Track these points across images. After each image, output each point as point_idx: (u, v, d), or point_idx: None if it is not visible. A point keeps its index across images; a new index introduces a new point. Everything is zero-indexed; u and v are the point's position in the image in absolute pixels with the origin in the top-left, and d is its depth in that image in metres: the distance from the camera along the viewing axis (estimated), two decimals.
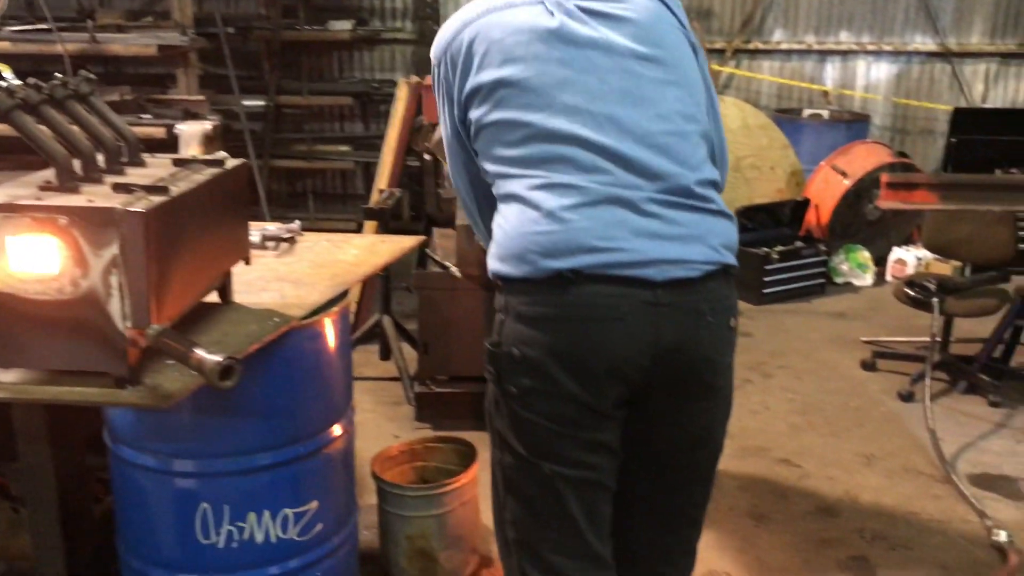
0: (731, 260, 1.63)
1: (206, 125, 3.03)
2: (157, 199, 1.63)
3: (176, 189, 1.70)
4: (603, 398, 1.58)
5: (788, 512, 3.14)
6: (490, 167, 1.68)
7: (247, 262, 2.06)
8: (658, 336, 1.55)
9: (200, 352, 1.55)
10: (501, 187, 1.66)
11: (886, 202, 3.84)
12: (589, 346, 1.54)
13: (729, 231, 1.65)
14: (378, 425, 3.68)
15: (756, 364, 4.46)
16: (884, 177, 3.85)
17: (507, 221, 1.62)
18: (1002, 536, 2.92)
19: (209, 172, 1.88)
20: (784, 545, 2.96)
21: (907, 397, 4.03)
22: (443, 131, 1.81)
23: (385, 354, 4.14)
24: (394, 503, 2.60)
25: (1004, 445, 3.66)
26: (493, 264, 1.64)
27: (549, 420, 1.60)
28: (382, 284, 4.02)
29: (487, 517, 2.77)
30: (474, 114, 1.67)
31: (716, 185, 1.67)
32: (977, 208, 3.84)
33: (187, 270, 1.75)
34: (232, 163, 1.97)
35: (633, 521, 1.77)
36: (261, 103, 6.39)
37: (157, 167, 1.89)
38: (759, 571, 2.81)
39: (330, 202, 6.84)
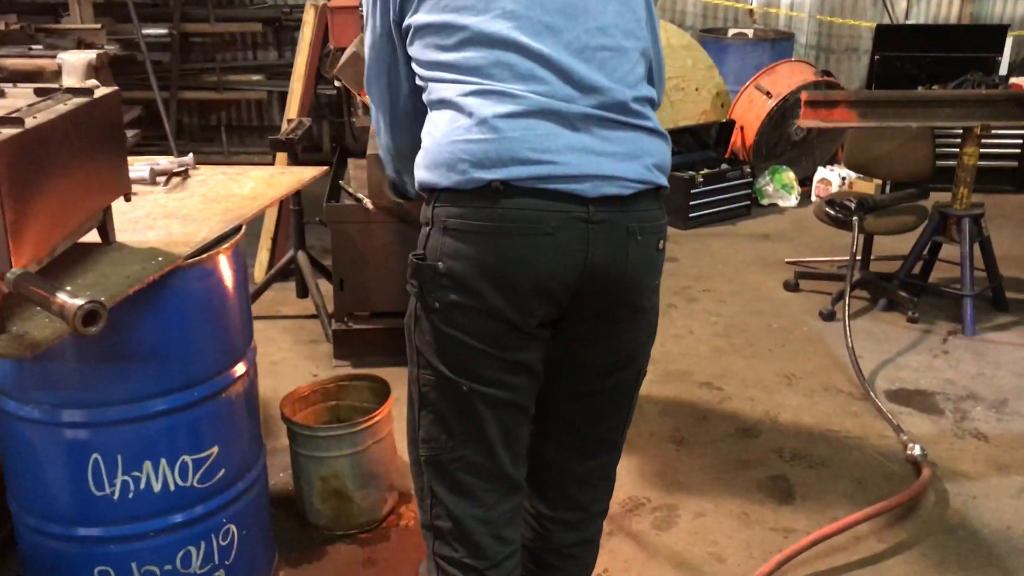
0: (663, 181, 1.60)
1: (91, 54, 2.81)
2: (8, 131, 1.49)
3: (33, 121, 1.56)
4: (528, 316, 1.55)
5: (709, 435, 3.15)
6: (423, 72, 1.60)
7: (127, 198, 1.93)
8: (587, 253, 1.52)
9: (62, 296, 1.44)
10: (433, 93, 1.58)
11: (806, 120, 3.81)
12: (517, 261, 1.50)
13: (663, 151, 1.61)
14: (296, 365, 3.58)
15: (681, 288, 4.45)
16: (804, 95, 3.82)
17: (437, 128, 1.55)
18: (916, 450, 2.96)
19: (74, 102, 1.73)
20: (705, 467, 2.97)
21: (828, 316, 4.06)
22: (368, 35, 1.72)
23: (302, 291, 4.02)
24: (305, 444, 2.52)
25: (921, 360, 3.72)
26: (420, 173, 1.57)
27: (471, 337, 1.55)
28: (295, 219, 3.87)
29: (404, 454, 2.73)
30: (410, 17, 1.59)
31: (653, 103, 1.62)
32: (895, 124, 3.83)
33: (52, 208, 1.62)
34: (102, 92, 1.82)
35: (552, 445, 1.76)
36: (164, 31, 6.08)
37: (16, 98, 1.74)
38: (680, 494, 2.82)
39: (246, 135, 6.60)
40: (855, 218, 3.94)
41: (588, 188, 1.49)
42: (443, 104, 1.55)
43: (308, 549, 2.54)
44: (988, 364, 3.68)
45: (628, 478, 2.90)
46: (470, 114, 1.50)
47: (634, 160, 1.54)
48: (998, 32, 6.30)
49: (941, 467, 2.96)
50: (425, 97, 1.61)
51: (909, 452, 2.97)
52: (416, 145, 1.62)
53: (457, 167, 1.50)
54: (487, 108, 1.49)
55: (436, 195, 1.55)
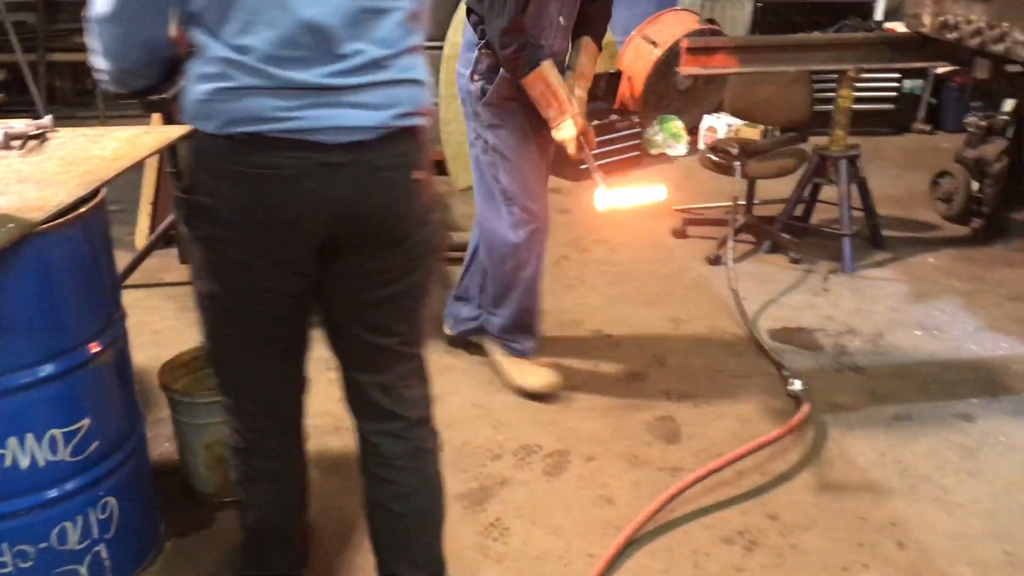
0: (415, 122, 1.69)
1: None
2: None
3: None
4: (286, 250, 1.69)
5: (600, 381, 3.20)
6: (183, 23, 1.64)
7: None
8: (332, 194, 1.65)
9: None
10: (192, 38, 1.63)
11: (687, 68, 3.85)
12: (269, 204, 1.62)
13: (414, 96, 1.69)
14: (180, 332, 3.48)
15: (573, 240, 4.49)
16: (684, 43, 3.85)
17: (193, 78, 1.62)
18: (797, 385, 3.07)
19: None
20: (596, 413, 3.02)
21: (714, 260, 4.16)
22: None
23: (184, 257, 3.90)
24: (186, 412, 2.46)
25: (803, 299, 3.84)
26: (185, 112, 1.65)
27: (235, 267, 1.70)
28: (172, 182, 3.74)
29: None
30: None
31: (412, 52, 1.68)
32: (772, 69, 3.91)
33: None
34: None
35: (348, 360, 1.90)
36: None
37: None
38: (571, 440, 2.86)
39: (124, 97, 6.31)
40: (737, 163, 4.02)
41: (328, 137, 1.61)
42: (197, 55, 1.61)
43: (197, 517, 2.49)
44: (865, 300, 3.83)
45: (520, 427, 2.92)
46: (218, 71, 1.58)
47: (381, 110, 1.64)
48: None
49: (821, 400, 3.07)
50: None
51: (790, 388, 3.08)
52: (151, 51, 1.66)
53: (210, 117, 1.60)
54: (233, 67, 1.57)
55: (198, 134, 1.64)
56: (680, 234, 4.48)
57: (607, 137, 5.39)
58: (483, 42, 2.67)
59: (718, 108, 6.00)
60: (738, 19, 6.77)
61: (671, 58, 5.62)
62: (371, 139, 1.64)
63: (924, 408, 3.05)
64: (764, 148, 4.21)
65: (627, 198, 2.89)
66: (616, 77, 5.70)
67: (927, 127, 6.41)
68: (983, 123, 4.49)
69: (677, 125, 5.80)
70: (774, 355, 3.32)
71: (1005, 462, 2.76)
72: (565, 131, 2.74)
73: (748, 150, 4.10)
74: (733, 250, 3.93)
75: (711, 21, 6.05)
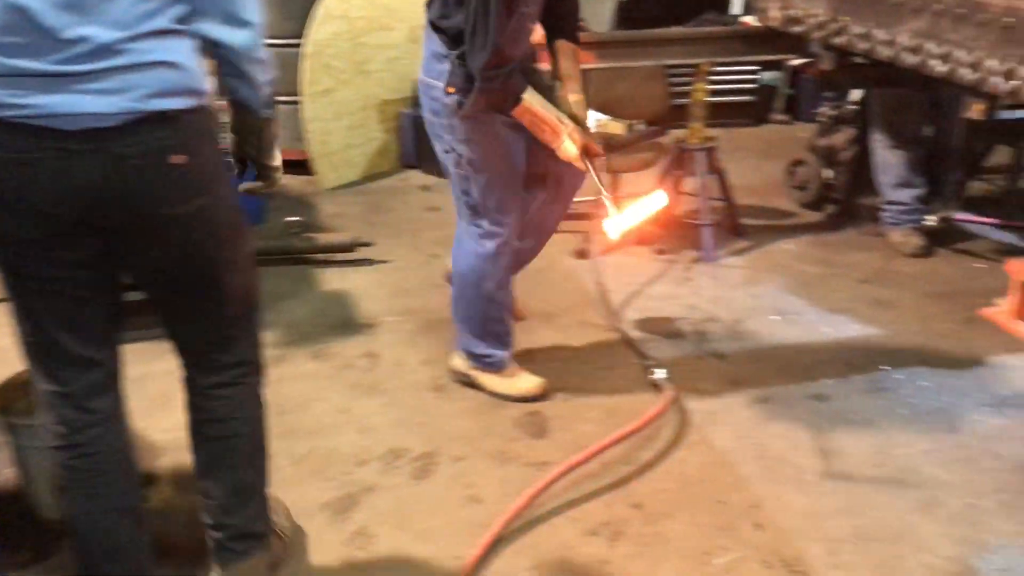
0: (164, 106, 1.68)
1: None
2: None
3: None
4: (36, 232, 1.72)
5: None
6: None
7: None
8: (72, 180, 1.67)
9: None
10: None
11: (545, 64, 3.86)
12: (11, 187, 1.67)
13: (162, 79, 1.67)
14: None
15: (444, 238, 4.43)
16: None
17: None
18: (659, 374, 3.13)
19: None
20: (465, 412, 3.01)
21: (582, 254, 4.20)
22: None
23: None
24: (26, 436, 2.32)
25: (667, 290, 3.92)
26: None
27: (4, 243, 1.75)
28: None
29: (148, 428, 2.58)
30: None
31: (159, 35, 1.66)
32: (629, 64, 3.97)
33: None
34: None
35: (171, 331, 2.01)
36: None
37: None
38: (439, 441, 2.84)
39: None
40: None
41: (67, 123, 1.62)
42: None
43: (41, 546, 2.36)
44: (726, 287, 3.94)
45: (387, 431, 2.88)
46: None
47: (118, 95, 1.64)
48: None
49: (684, 387, 3.14)
50: None
51: (653, 377, 3.14)
52: None
53: None
54: None
55: None
56: None
57: None
58: (456, 53, 2.48)
59: None
60: (601, 14, 6.86)
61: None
62: (113, 125, 1.64)
63: (781, 391, 3.15)
64: (627, 142, 4.27)
65: (635, 215, 2.82)
66: None
67: (785, 118, 6.65)
68: (833, 113, 4.68)
69: None
70: (639, 346, 3.38)
71: (855, 440, 2.88)
72: (566, 151, 2.63)
73: (611, 145, 4.15)
74: (599, 243, 3.97)
75: None
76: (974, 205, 4.63)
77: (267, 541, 2.18)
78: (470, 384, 3.11)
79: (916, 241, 4.25)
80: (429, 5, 2.58)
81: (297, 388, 3.11)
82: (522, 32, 2.60)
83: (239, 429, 2.09)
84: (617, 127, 5.45)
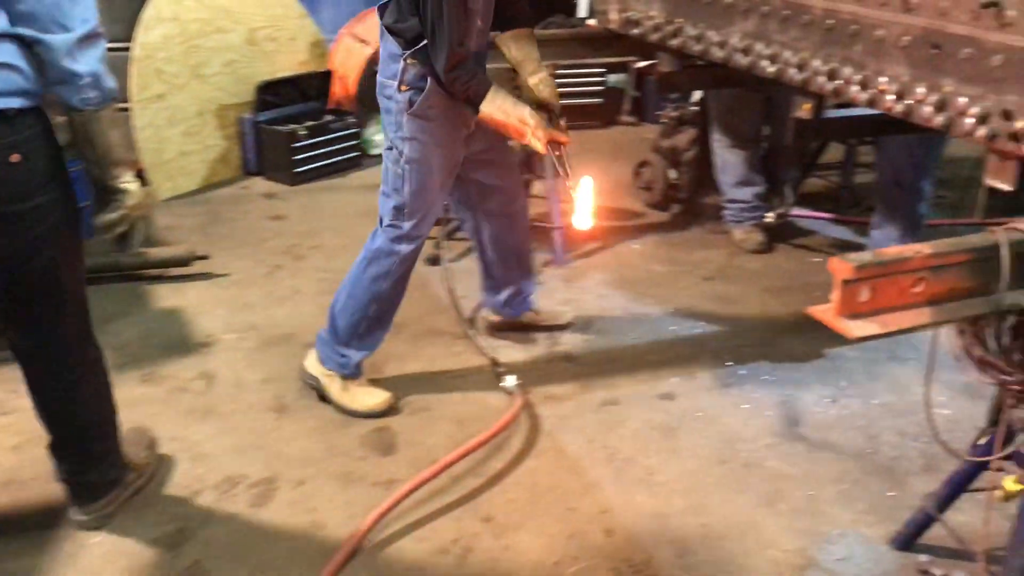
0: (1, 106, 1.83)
1: None
2: None
3: None
4: None
5: (312, 397, 3.05)
6: None
7: None
8: None
9: None
10: None
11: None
12: None
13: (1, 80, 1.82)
14: None
15: (288, 247, 4.29)
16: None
17: None
18: (509, 381, 3.08)
19: None
20: (308, 432, 2.87)
21: (433, 261, 4.11)
22: None
23: None
24: None
25: None
26: None
27: None
28: None
29: None
30: None
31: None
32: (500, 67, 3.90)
33: None
34: None
35: (11, 331, 2.18)
36: None
37: None
38: (279, 465, 2.70)
39: None
40: None
41: None
42: None
43: None
44: (576, 290, 3.93)
45: (223, 458, 2.72)
46: None
47: None
48: None
49: (534, 393, 3.10)
50: None
51: (504, 384, 3.08)
52: None
53: None
54: None
55: None
56: None
57: (322, 139, 5.23)
58: (408, 52, 2.59)
59: None
60: None
61: None
62: None
63: (630, 392, 3.15)
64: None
65: (588, 204, 3.25)
66: (327, 77, 5.55)
67: (632, 119, 6.75)
68: (675, 114, 4.76)
69: None
70: (489, 352, 3.32)
71: (702, 438, 2.90)
72: (533, 146, 2.72)
73: None
74: (448, 249, 3.89)
75: None
76: (810, 201, 4.81)
77: (122, 481, 2.47)
78: (317, 389, 3.02)
79: (757, 237, 4.36)
80: (382, 10, 2.67)
81: (125, 416, 2.89)
82: (472, 28, 2.63)
83: (84, 414, 2.33)
84: None
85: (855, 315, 1.76)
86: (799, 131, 3.23)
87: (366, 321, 2.93)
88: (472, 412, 2.99)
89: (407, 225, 2.82)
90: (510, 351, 3.39)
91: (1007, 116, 2.35)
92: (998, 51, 2.34)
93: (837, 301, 1.73)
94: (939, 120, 2.51)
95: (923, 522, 2.38)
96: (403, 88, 2.64)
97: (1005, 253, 1.77)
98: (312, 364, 3.03)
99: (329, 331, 2.98)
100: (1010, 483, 2.12)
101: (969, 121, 2.43)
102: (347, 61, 5.58)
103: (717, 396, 3.14)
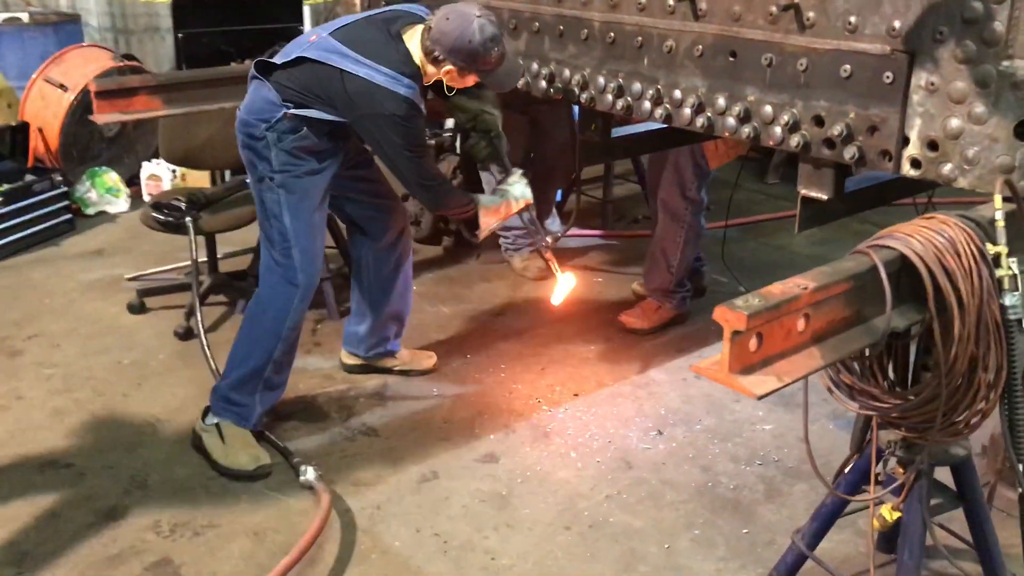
0: None
1: None
2: None
3: None
4: None
5: (60, 534, 2.42)
6: None
7: None
8: None
9: None
10: None
11: (102, 115, 3.16)
12: None
13: None
14: None
15: None
16: (92, 86, 3.16)
17: None
18: (310, 474, 2.62)
19: None
20: (68, 570, 2.27)
21: (185, 334, 3.53)
22: None
23: None
24: None
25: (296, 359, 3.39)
26: None
27: None
28: None
29: None
30: None
31: None
32: (207, 108, 3.39)
33: None
34: None
35: None
36: None
37: None
38: None
39: None
40: (188, 219, 3.44)
41: None
42: None
43: None
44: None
45: None
46: None
47: None
48: (294, 2, 6.27)
49: (340, 482, 2.67)
50: None
51: (303, 478, 2.62)
52: None
53: None
54: None
55: None
56: (138, 309, 3.76)
57: (25, 203, 4.42)
58: (290, 105, 2.58)
59: (156, 152, 5.31)
60: (161, 53, 6.10)
61: (88, 102, 4.80)
62: None
63: (447, 460, 2.80)
64: (217, 196, 3.67)
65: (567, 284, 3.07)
66: (23, 130, 4.73)
67: None
68: (432, 142, 4.46)
69: (112, 178, 4.98)
70: (278, 441, 2.83)
71: (538, 502, 2.61)
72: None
73: (198, 201, 3.53)
74: (202, 318, 3.34)
75: (129, 57, 5.32)
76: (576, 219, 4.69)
77: None
78: (198, 447, 2.77)
79: (538, 264, 4.16)
80: (264, 65, 2.70)
81: None
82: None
83: None
84: (201, 177, 4.81)
85: (747, 368, 1.52)
86: (586, 154, 3.02)
87: (273, 366, 2.75)
88: (271, 520, 2.51)
89: (296, 252, 2.69)
90: (303, 433, 2.92)
91: (819, 122, 2.26)
92: (801, 54, 2.24)
93: (728, 356, 1.48)
94: (746, 131, 2.38)
95: (795, 562, 2.21)
96: (270, 130, 2.62)
97: (884, 276, 1.60)
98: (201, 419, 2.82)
99: (223, 384, 2.78)
100: (887, 512, 2.00)
101: (778, 130, 2.32)
102: (44, 110, 4.79)
103: (541, 449, 2.86)
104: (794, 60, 2.22)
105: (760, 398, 1.48)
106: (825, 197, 2.31)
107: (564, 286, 3.06)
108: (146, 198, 4.99)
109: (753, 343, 1.50)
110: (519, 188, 2.91)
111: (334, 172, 2.75)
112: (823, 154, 2.22)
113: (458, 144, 4.34)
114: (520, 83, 2.93)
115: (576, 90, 2.77)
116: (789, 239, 4.74)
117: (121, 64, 5.03)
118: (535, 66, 2.90)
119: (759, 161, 5.48)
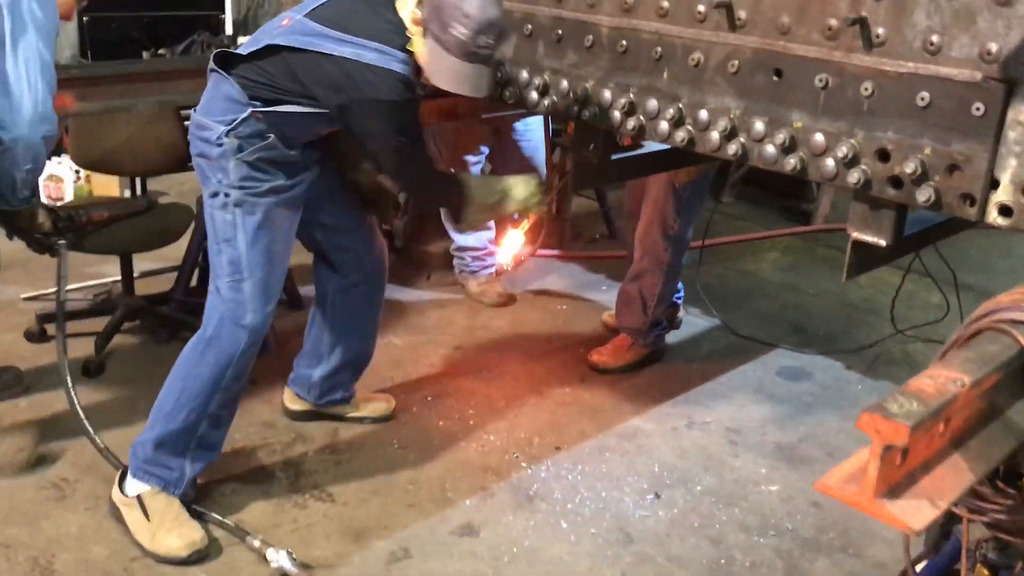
0: None
1: None
2: None
3: None
4: None
5: None
6: None
7: None
8: None
9: None
10: None
11: None
12: None
13: None
14: None
15: None
16: None
17: None
18: (283, 560, 2.15)
19: None
20: None
21: (96, 370, 3.01)
22: None
23: None
24: None
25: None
26: None
27: None
28: None
29: None
30: None
31: None
32: (127, 104, 2.89)
33: None
34: None
35: None
36: None
37: None
38: None
39: None
40: (61, 243, 2.74)
41: None
42: None
43: None
44: None
45: None
46: None
47: None
48: None
49: (296, 559, 2.22)
50: None
51: (275, 565, 2.16)
52: None
53: None
54: None
55: None
56: (37, 337, 3.22)
57: None
58: (258, 103, 2.19)
59: (59, 150, 4.71)
60: (61, 39, 5.46)
61: None
62: None
63: (419, 532, 2.39)
64: (104, 218, 2.93)
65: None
66: None
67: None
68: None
69: None
70: (223, 519, 2.34)
71: None
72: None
73: (79, 222, 2.79)
74: (68, 367, 2.67)
75: None
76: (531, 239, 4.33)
77: None
78: (118, 518, 2.30)
79: (497, 289, 3.78)
80: (224, 57, 2.26)
81: None
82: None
83: None
84: (110, 183, 4.28)
85: (893, 489, 1.18)
86: (578, 178, 2.65)
87: (209, 420, 2.32)
88: None
89: (248, 286, 2.25)
90: (244, 497, 2.46)
91: (884, 157, 1.94)
92: (866, 77, 1.91)
93: (876, 477, 1.14)
94: (791, 163, 2.05)
95: None
96: (230, 135, 2.21)
97: None
98: (118, 490, 2.34)
99: (143, 446, 2.31)
100: None
101: (831, 163, 2.00)
102: None
103: (526, 517, 2.48)
104: (856, 83, 1.90)
105: (918, 534, 1.15)
106: (884, 243, 1.99)
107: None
108: (44, 200, 4.39)
109: (899, 456, 1.17)
110: (523, 188, 2.49)
111: (304, 192, 2.32)
112: (887, 193, 1.90)
113: None
114: (508, 93, 2.55)
115: (574, 105, 2.40)
116: (756, 264, 4.49)
117: None
118: (525, 75, 2.52)
119: (714, 180, 5.22)
